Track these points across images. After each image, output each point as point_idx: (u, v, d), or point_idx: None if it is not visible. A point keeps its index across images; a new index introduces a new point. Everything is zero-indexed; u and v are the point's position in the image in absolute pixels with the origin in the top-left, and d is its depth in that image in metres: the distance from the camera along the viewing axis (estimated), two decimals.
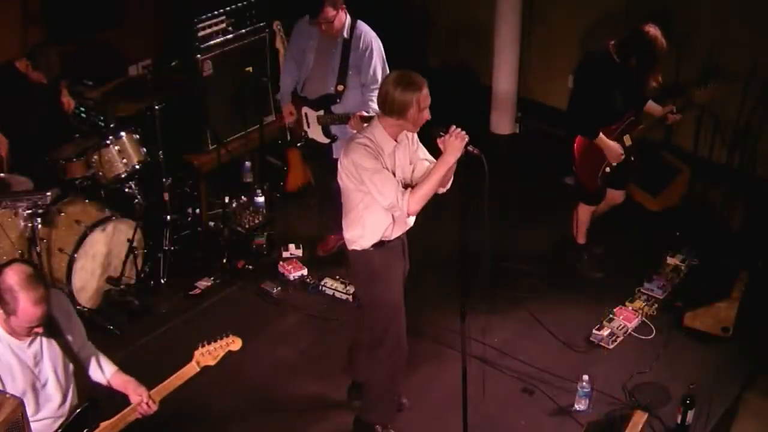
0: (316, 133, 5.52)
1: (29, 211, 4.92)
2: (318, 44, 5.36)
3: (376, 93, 5.18)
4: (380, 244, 4.13)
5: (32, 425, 3.32)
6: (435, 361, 5.05)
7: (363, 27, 5.31)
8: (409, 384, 4.80)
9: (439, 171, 3.89)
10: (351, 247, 4.19)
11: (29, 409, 3.29)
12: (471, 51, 7.67)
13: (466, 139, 3.80)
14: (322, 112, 5.43)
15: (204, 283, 5.67)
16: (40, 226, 4.97)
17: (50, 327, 3.31)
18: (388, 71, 5.32)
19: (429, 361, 5.04)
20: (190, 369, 3.52)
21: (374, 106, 5.18)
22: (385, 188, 3.92)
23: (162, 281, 5.59)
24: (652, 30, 5.04)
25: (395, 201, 3.92)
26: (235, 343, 3.60)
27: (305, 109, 5.49)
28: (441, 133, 3.84)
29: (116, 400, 3.57)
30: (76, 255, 5.08)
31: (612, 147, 5.27)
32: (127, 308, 5.36)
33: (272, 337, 5.23)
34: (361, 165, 3.92)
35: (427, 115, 3.93)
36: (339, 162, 4.04)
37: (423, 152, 4.20)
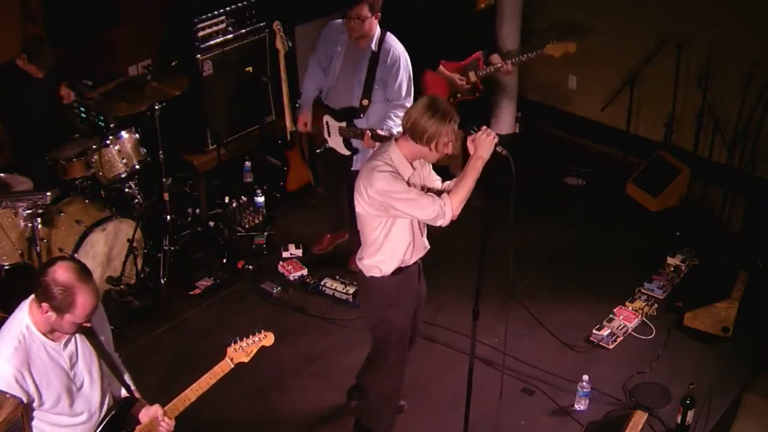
0: (336, 143, 5.45)
1: (29, 211, 4.93)
2: (345, 52, 5.27)
3: (398, 110, 5.12)
4: (399, 271, 4.10)
5: (69, 429, 3.30)
6: (436, 362, 5.05)
7: (392, 41, 5.21)
8: (409, 384, 4.79)
9: (476, 167, 3.84)
10: (370, 273, 4.12)
11: (66, 412, 3.26)
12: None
13: (496, 140, 3.82)
14: (344, 124, 5.35)
15: (204, 283, 5.67)
16: (40, 226, 4.97)
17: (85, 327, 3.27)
18: (413, 89, 5.27)
19: (430, 362, 5.04)
20: (224, 366, 3.43)
21: (391, 123, 5.13)
22: (423, 203, 3.85)
23: (162, 281, 5.59)
24: None
25: (439, 209, 3.85)
26: (267, 339, 3.50)
27: (327, 118, 5.41)
28: (472, 131, 3.84)
29: (161, 395, 3.54)
30: (76, 255, 5.07)
31: (451, 77, 5.92)
32: (127, 308, 5.36)
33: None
34: (389, 192, 3.83)
35: (450, 149, 3.88)
36: (357, 191, 3.93)
37: (433, 173, 4.14)
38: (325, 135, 5.49)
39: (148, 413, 3.43)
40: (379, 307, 4.21)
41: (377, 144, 5.16)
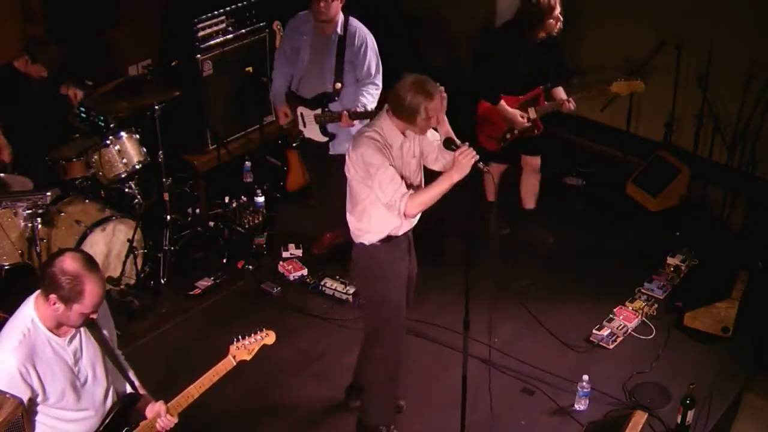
0: (313, 132, 5.51)
1: (29, 211, 4.92)
2: (312, 41, 5.36)
3: (370, 87, 5.27)
4: (387, 239, 4.13)
5: (73, 424, 3.30)
6: (435, 361, 5.05)
7: (356, 23, 5.32)
8: (409, 384, 4.79)
9: (443, 185, 3.87)
10: (357, 240, 4.18)
11: (70, 407, 3.26)
12: (471, 51, 7.67)
13: (476, 158, 3.79)
14: (319, 111, 5.41)
15: (204, 283, 5.67)
16: (40, 226, 4.97)
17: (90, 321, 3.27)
18: (381, 66, 5.35)
19: (429, 361, 5.04)
20: (227, 364, 3.45)
21: (365, 100, 5.25)
22: (386, 186, 3.90)
23: (162, 281, 5.59)
24: None
25: (393, 201, 3.91)
26: (269, 337, 3.52)
27: (301, 109, 5.48)
28: (453, 147, 3.85)
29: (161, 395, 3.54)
30: None
31: (511, 114, 5.54)
32: (127, 308, 5.35)
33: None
34: (368, 160, 3.91)
35: (434, 122, 3.95)
36: (347, 154, 4.02)
37: (432, 134, 4.14)
38: (301, 127, 5.53)
39: (152, 409, 3.45)
40: (369, 280, 4.24)
41: (356, 123, 5.24)
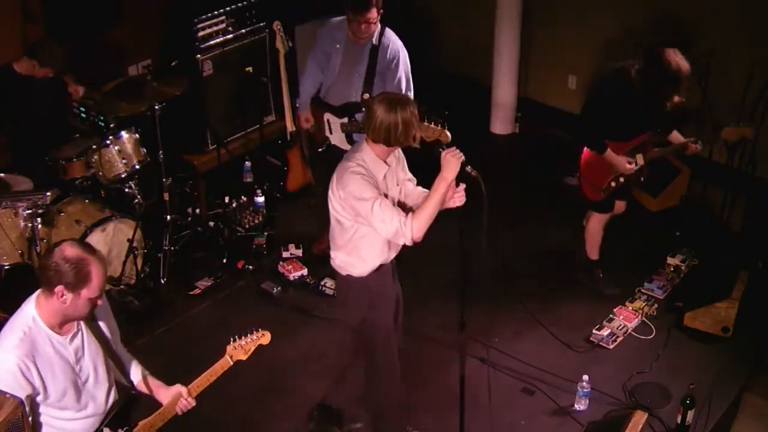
0: (338, 139, 5.46)
1: (29, 211, 4.93)
2: (344, 49, 5.27)
3: None
4: (378, 268, 4.07)
5: (74, 423, 3.30)
6: (435, 362, 5.05)
7: (391, 35, 5.24)
8: (408, 384, 4.79)
9: (440, 189, 3.76)
10: (344, 273, 4.09)
11: (71, 406, 3.26)
12: (471, 51, 7.68)
13: (462, 158, 3.73)
14: (345, 120, 5.36)
15: (204, 283, 5.67)
16: (40, 226, 4.97)
17: (90, 317, 3.27)
18: (412, 83, 5.28)
19: (428, 362, 5.04)
20: (224, 363, 3.48)
21: None
22: (387, 216, 3.78)
23: (162, 281, 5.59)
24: (673, 58, 4.85)
25: (399, 227, 3.77)
26: (264, 337, 3.56)
27: (328, 116, 5.42)
28: (441, 150, 3.78)
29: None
30: None
31: (619, 161, 5.19)
32: (127, 308, 5.36)
33: (272, 337, 5.21)
34: (360, 195, 3.79)
35: (416, 134, 3.85)
36: (331, 191, 3.93)
37: (405, 170, 4.10)
38: (327, 133, 5.49)
39: (169, 393, 3.46)
40: (360, 308, 4.16)
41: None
